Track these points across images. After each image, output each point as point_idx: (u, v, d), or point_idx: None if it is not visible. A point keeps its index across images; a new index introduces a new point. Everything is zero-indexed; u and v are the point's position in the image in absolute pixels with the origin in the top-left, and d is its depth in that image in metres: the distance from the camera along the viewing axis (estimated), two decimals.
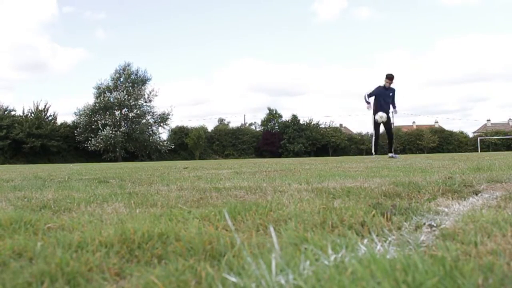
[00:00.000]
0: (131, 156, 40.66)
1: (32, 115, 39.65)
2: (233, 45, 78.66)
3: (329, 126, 48.24)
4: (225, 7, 73.37)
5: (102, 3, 69.07)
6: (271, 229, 1.16)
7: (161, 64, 79.92)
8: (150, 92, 43.68)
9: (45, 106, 40.69)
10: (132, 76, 43.10)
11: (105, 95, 41.35)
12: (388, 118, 10.96)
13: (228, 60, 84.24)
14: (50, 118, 40.53)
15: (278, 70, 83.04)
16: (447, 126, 55.14)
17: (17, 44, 64.99)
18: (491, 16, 75.60)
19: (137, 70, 43.66)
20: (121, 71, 43.19)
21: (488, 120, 62.56)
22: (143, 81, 43.41)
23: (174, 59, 77.15)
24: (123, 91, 41.63)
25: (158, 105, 43.96)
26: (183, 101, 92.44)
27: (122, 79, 42.97)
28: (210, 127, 48.67)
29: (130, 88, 42.23)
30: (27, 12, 67.23)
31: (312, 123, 47.07)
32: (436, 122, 60.79)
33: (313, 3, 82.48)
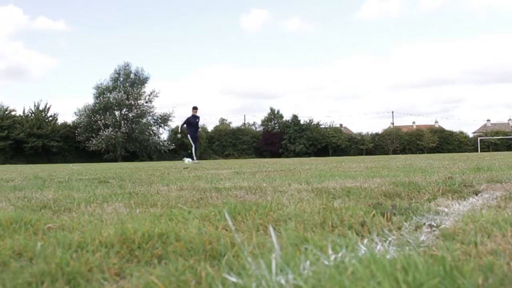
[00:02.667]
0: (131, 156, 40.63)
1: (33, 115, 39.64)
2: (196, 52, 79.97)
3: (330, 126, 48.22)
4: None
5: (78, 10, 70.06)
6: (271, 229, 1.16)
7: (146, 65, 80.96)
8: (151, 93, 43.71)
9: (46, 106, 40.71)
10: (132, 76, 43.11)
11: (104, 95, 41.34)
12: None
13: (199, 65, 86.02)
14: (50, 118, 40.53)
15: (247, 74, 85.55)
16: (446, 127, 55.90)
17: None
18: (416, 26, 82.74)
19: (137, 70, 43.71)
20: (120, 71, 43.20)
21: (488, 120, 62.53)
22: (142, 81, 43.42)
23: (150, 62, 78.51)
24: (121, 91, 41.60)
25: (154, 106, 44.17)
26: (166, 102, 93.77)
27: (121, 79, 42.98)
28: (210, 127, 48.64)
29: (129, 88, 42.21)
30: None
31: (313, 123, 47.04)
32: (436, 122, 60.77)
33: (240, 16, 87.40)
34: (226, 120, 58.03)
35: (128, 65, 43.54)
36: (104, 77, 64.24)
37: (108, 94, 41.22)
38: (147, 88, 43.77)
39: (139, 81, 43.23)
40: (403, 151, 46.35)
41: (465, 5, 79.22)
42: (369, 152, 44.88)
